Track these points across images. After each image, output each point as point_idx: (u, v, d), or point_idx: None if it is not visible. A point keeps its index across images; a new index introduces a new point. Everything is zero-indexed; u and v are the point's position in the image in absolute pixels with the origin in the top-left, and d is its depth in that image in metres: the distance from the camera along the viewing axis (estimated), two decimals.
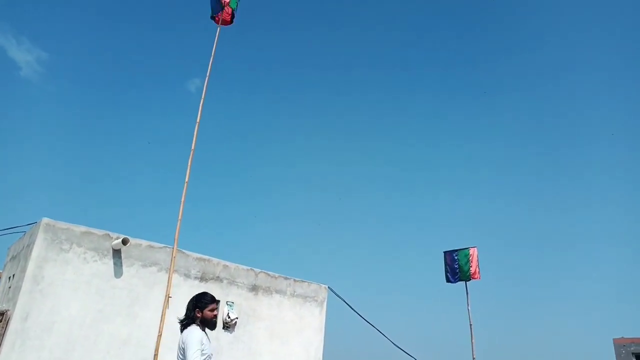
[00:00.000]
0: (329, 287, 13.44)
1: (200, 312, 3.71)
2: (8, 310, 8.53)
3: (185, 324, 3.78)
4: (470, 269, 13.79)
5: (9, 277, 9.90)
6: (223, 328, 10.82)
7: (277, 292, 12.16)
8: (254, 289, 11.69)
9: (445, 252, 14.80)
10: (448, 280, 14.52)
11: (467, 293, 14.31)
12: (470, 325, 14.14)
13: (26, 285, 8.44)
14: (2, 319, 8.52)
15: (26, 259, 8.81)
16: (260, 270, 11.97)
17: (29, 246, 9.02)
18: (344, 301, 13.80)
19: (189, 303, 3.85)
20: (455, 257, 14.15)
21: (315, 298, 12.98)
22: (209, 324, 3.76)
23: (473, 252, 14.04)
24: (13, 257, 10.32)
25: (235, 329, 11.00)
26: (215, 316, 3.86)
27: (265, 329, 11.61)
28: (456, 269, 14.05)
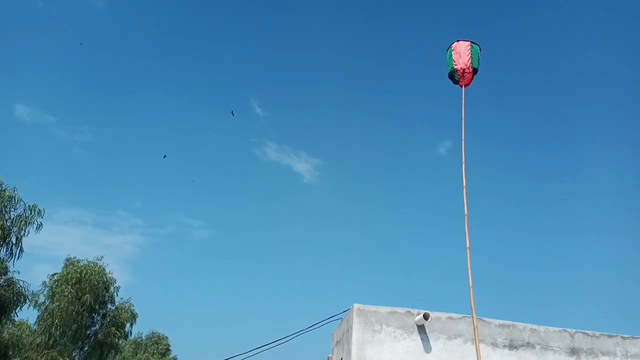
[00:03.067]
0: None
1: None
2: None
3: None
4: None
5: None
6: None
7: (603, 353, 10.45)
8: (573, 352, 10.33)
9: None
10: None
11: None
12: None
13: None
14: None
15: (349, 342, 10.00)
16: (575, 331, 10.57)
17: (348, 331, 10.25)
18: None
19: None
20: None
21: None
22: None
23: None
24: (338, 342, 11.82)
25: None
26: None
27: None
28: None
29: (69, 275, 21.78)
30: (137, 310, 25.25)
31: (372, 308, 10.09)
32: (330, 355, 12.76)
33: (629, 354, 10.51)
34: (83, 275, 21.90)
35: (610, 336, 10.66)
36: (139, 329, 34.48)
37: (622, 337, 10.68)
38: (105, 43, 69.17)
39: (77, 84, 69.53)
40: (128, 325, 24.99)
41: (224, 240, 71.60)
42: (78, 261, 22.87)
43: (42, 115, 65.91)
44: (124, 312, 24.41)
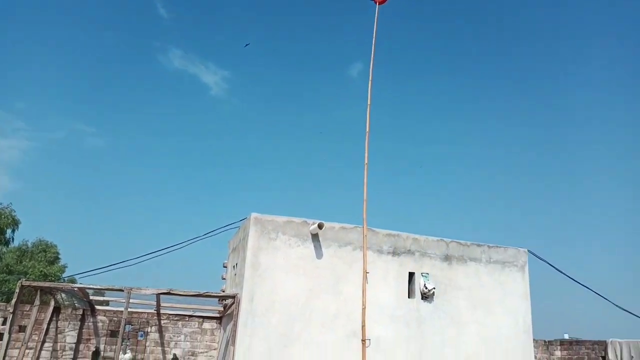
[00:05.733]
0: (528, 250, 12.56)
1: None
2: (237, 293, 10.03)
3: None
4: None
5: (233, 266, 11.62)
6: (422, 298, 10.98)
7: (471, 259, 11.84)
8: (447, 258, 11.58)
9: None
10: None
11: None
12: None
13: (248, 271, 9.80)
14: (234, 301, 10.07)
15: (244, 249, 10.22)
16: (450, 240, 11.78)
17: (244, 239, 10.44)
18: (548, 263, 12.78)
19: None
20: None
21: (515, 263, 12.26)
22: None
23: None
24: (234, 249, 12.05)
25: (434, 299, 11.07)
26: None
27: (464, 298, 11.42)
28: None
29: None
30: (20, 216, 23.55)
31: (269, 217, 10.29)
32: (225, 262, 13.05)
33: (491, 259, 12.03)
34: None
35: (479, 245, 12.05)
36: (24, 236, 32.42)
37: (488, 246, 12.13)
38: None
39: None
40: (9, 231, 23.34)
41: (120, 149, 67.55)
42: None
43: None
44: (4, 217, 22.60)
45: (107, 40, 64.15)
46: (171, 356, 12.05)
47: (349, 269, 10.54)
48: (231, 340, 9.79)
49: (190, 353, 12.42)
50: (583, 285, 13.21)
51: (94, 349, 11.44)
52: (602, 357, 14.39)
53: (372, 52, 12.08)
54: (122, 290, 9.92)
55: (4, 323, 10.71)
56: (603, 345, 14.54)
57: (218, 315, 12.68)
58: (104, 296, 13.25)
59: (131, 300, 11.58)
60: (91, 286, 10.14)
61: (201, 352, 12.53)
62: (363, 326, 10.09)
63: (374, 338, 10.19)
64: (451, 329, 11.06)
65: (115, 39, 64.28)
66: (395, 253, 11.11)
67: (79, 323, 11.51)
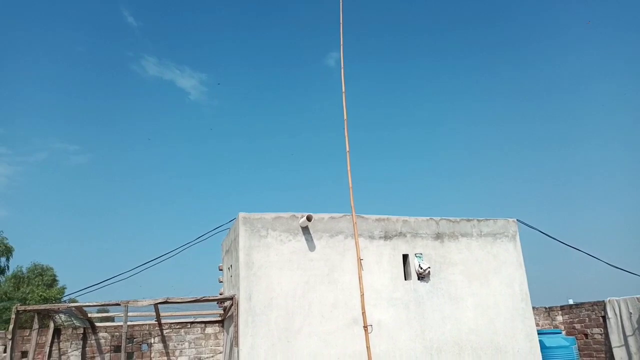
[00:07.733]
0: (517, 219, 12.69)
1: None
2: (235, 294, 10.06)
3: None
4: None
5: (228, 268, 11.64)
6: (418, 279, 11.08)
7: (462, 235, 11.94)
8: (438, 237, 11.68)
9: None
10: None
11: None
12: None
13: (242, 271, 9.83)
14: (232, 302, 10.11)
15: (236, 250, 10.24)
16: (440, 218, 11.88)
17: (235, 239, 10.46)
18: (538, 230, 12.91)
19: None
20: None
21: (506, 234, 12.39)
22: None
23: None
24: (227, 251, 12.07)
25: (430, 278, 11.17)
26: None
27: (460, 273, 11.54)
28: None
29: None
30: (12, 243, 23.38)
31: (257, 215, 10.31)
32: (220, 265, 13.06)
33: (482, 233, 12.15)
34: None
35: (468, 220, 12.16)
36: (19, 263, 32.26)
37: (478, 220, 12.25)
38: None
39: None
40: (3, 259, 23.22)
41: (104, 163, 66.88)
42: None
43: None
44: None
45: (79, 57, 63.30)
46: None
47: (343, 258, 10.61)
48: (234, 342, 9.84)
49: (196, 359, 12.45)
50: (575, 248, 13.38)
51: None
52: (602, 316, 14.61)
53: (341, 40, 12.15)
54: (120, 305, 9.91)
55: (5, 351, 10.66)
56: (602, 305, 14.76)
57: (220, 318, 12.71)
58: (108, 312, 13.22)
59: (131, 313, 11.60)
60: (87, 304, 10.11)
61: (207, 357, 12.57)
62: (363, 312, 10.20)
63: (375, 323, 10.30)
64: (450, 305, 11.18)
65: (86, 54, 63.47)
66: (387, 237, 11.19)
67: (81, 342, 11.49)
